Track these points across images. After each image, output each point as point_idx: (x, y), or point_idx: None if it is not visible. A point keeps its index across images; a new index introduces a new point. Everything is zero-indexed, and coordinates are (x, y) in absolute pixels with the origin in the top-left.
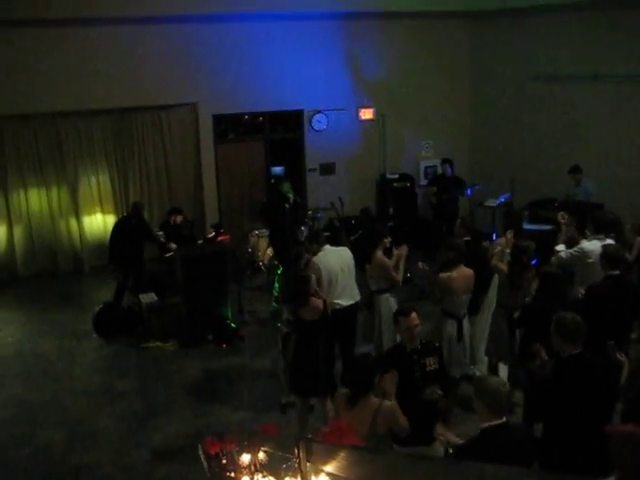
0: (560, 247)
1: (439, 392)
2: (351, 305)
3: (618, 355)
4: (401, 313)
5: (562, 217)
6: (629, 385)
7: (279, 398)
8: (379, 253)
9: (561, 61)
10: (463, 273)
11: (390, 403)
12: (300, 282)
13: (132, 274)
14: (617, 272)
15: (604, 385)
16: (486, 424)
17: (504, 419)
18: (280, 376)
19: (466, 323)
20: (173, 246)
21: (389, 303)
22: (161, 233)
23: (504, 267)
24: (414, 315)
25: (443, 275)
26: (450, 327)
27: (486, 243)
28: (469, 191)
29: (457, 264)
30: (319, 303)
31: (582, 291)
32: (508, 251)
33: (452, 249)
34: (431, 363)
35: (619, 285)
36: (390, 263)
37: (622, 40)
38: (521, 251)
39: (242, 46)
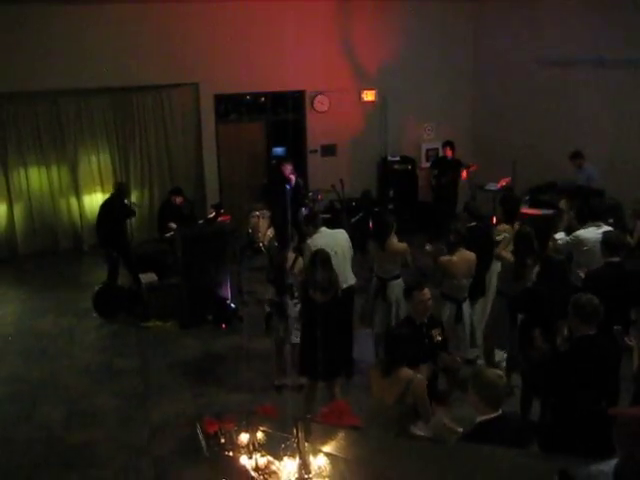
0: (559, 235)
1: (458, 359)
2: (344, 288)
3: (627, 340)
4: (415, 287)
5: (563, 204)
6: None
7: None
8: (394, 240)
9: (565, 45)
10: (464, 257)
11: (423, 378)
12: (327, 264)
13: (121, 254)
14: (617, 259)
15: (612, 367)
16: (482, 417)
17: (500, 412)
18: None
19: (466, 307)
20: (173, 226)
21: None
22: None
23: (509, 256)
24: (427, 290)
25: (444, 258)
26: (449, 310)
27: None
28: (465, 173)
29: (457, 247)
30: (336, 284)
31: (582, 274)
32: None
33: (452, 233)
34: (437, 335)
35: (618, 272)
36: (405, 247)
37: (626, 24)
38: (525, 238)
39: (245, 26)
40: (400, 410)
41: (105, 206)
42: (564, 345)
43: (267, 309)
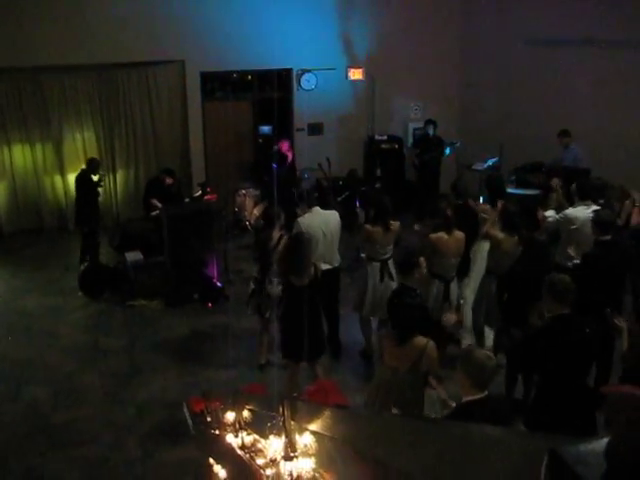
0: (549, 213)
1: (454, 317)
2: (328, 270)
3: (616, 321)
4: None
5: (555, 183)
6: (629, 355)
7: (270, 358)
8: (397, 224)
9: (553, 25)
10: (454, 236)
11: (434, 344)
12: (306, 248)
13: (90, 231)
14: (608, 237)
15: (594, 348)
16: (467, 398)
17: (485, 393)
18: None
19: (454, 286)
20: (157, 204)
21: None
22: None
23: (498, 234)
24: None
25: (433, 236)
26: (437, 289)
27: (474, 203)
28: (448, 150)
29: (443, 228)
30: (310, 268)
31: (573, 253)
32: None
33: (441, 214)
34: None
35: (610, 250)
36: (399, 225)
37: (615, 4)
38: (510, 215)
39: (232, 2)
40: (413, 377)
41: (75, 182)
42: (537, 324)
43: (252, 286)
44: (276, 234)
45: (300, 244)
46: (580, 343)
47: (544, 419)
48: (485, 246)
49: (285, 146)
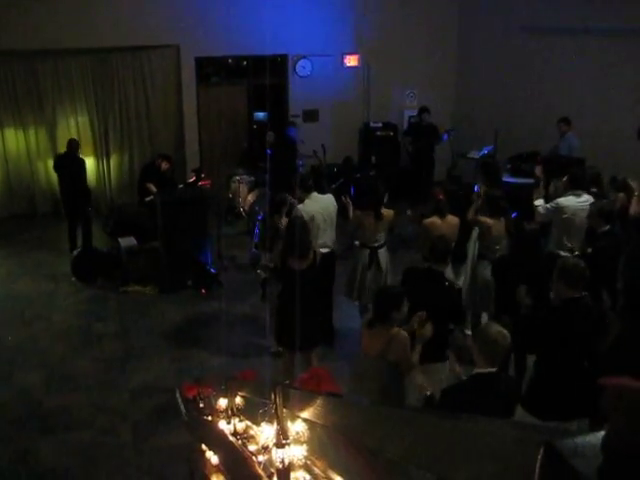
0: (538, 202)
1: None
2: (326, 253)
3: None
4: None
5: (539, 172)
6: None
7: (263, 344)
8: (390, 212)
9: (550, 13)
10: (447, 221)
11: (405, 335)
12: (304, 232)
13: (79, 214)
14: (608, 227)
15: (596, 330)
16: (478, 370)
17: (495, 369)
18: (266, 321)
19: (449, 271)
20: (152, 188)
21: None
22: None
23: (487, 220)
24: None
25: (426, 221)
26: None
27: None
28: (445, 136)
29: (436, 212)
30: (309, 252)
31: (569, 245)
32: None
33: (437, 199)
34: None
35: (611, 240)
36: (393, 213)
37: None
38: (495, 199)
39: None
40: (383, 364)
41: (55, 163)
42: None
43: (262, 275)
44: (285, 220)
45: (295, 227)
46: (589, 326)
47: (545, 401)
48: (474, 233)
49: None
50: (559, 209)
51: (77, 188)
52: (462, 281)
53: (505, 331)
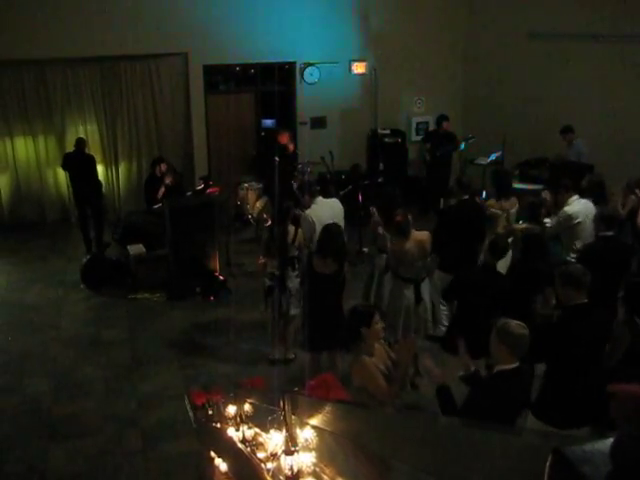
0: (547, 220)
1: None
2: None
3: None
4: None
5: (546, 195)
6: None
7: (267, 352)
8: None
9: (557, 19)
10: (414, 238)
11: (368, 360)
12: (326, 236)
13: (93, 211)
14: (610, 233)
15: (604, 336)
16: (501, 367)
17: (518, 364)
18: (268, 330)
19: (425, 287)
20: (167, 180)
21: None
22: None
23: (519, 227)
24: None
25: (393, 247)
26: (407, 291)
27: (481, 201)
28: (462, 145)
29: (399, 235)
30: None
31: (578, 247)
32: (513, 211)
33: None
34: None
35: (611, 245)
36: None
37: None
38: (537, 206)
39: None
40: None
41: (63, 162)
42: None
43: (267, 283)
44: (291, 228)
45: (337, 231)
46: (597, 332)
47: (557, 408)
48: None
49: (284, 138)
50: (568, 218)
51: (88, 183)
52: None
53: (522, 324)
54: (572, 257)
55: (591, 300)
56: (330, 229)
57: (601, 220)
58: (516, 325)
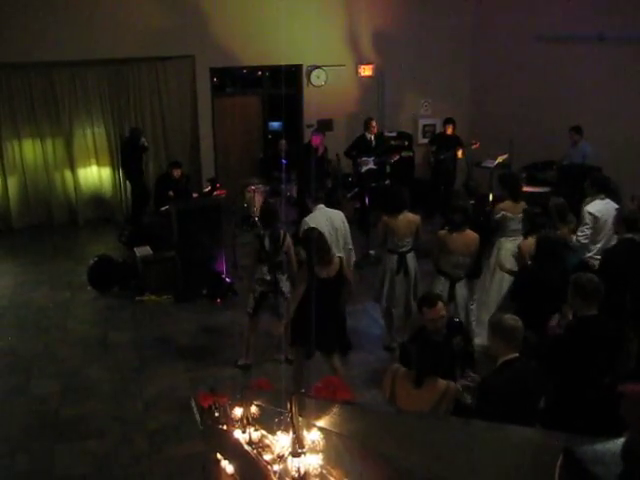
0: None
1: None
2: None
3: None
4: (426, 303)
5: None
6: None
7: (279, 354)
8: (417, 217)
9: (565, 21)
10: (464, 234)
11: (455, 386)
12: (321, 240)
13: (137, 188)
14: (631, 235)
15: (616, 346)
16: (504, 358)
17: (517, 354)
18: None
19: (461, 287)
20: (172, 195)
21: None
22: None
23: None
24: (440, 305)
25: (441, 232)
26: (442, 286)
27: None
28: (461, 151)
29: (463, 227)
30: (337, 261)
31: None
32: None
33: (458, 212)
34: (458, 342)
35: (633, 248)
36: (419, 218)
37: (629, 0)
38: (534, 216)
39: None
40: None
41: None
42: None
43: (259, 289)
44: (282, 232)
45: (319, 236)
46: (606, 344)
47: (567, 420)
48: (507, 245)
49: (317, 140)
50: (596, 218)
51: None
52: (476, 298)
53: (515, 316)
54: (589, 256)
55: (606, 310)
56: (309, 238)
57: (623, 222)
58: (508, 317)
